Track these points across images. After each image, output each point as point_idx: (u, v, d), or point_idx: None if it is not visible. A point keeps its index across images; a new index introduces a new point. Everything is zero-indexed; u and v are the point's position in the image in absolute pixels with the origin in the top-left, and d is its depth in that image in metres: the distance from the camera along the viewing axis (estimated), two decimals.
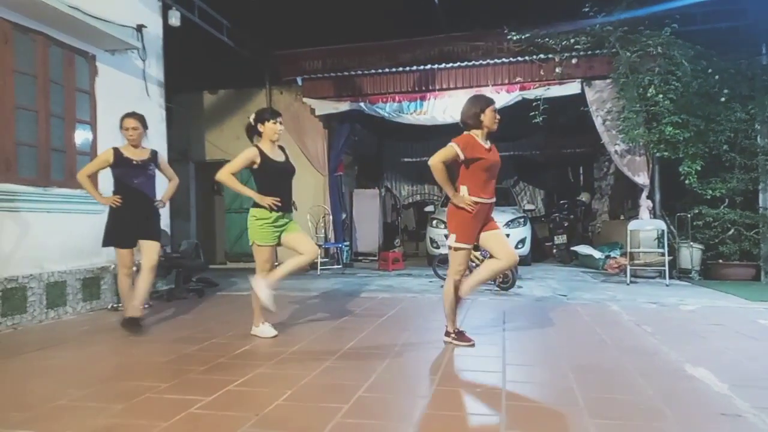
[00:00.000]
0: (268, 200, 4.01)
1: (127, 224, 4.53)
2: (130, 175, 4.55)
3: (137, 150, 4.63)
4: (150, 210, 4.65)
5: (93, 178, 4.63)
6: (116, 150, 4.57)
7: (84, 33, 5.49)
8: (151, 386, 2.97)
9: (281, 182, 4.18)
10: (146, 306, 5.24)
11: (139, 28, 6.36)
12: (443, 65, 9.25)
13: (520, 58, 8.87)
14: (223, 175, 4.06)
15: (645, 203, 8.42)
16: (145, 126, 4.67)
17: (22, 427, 2.45)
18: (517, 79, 8.96)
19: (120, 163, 4.54)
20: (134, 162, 4.57)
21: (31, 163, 5.12)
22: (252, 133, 4.23)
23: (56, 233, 5.24)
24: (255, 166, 4.10)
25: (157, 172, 4.77)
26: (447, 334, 3.98)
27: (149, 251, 4.54)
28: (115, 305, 5.73)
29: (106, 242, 4.59)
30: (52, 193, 5.21)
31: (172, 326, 4.78)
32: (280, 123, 4.17)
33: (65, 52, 5.49)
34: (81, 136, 5.70)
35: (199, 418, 2.51)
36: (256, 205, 4.08)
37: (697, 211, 7.93)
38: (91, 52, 5.78)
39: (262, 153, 4.10)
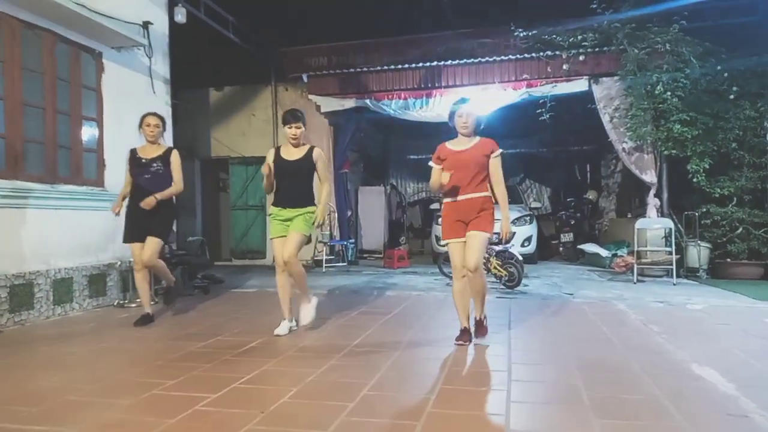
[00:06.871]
0: None
1: (135, 220, 4.69)
2: (139, 173, 4.73)
3: (152, 147, 4.80)
4: (156, 207, 4.66)
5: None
6: (132, 151, 4.82)
7: (90, 30, 5.50)
8: (157, 383, 2.98)
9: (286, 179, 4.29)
10: (152, 302, 5.26)
11: (146, 25, 6.36)
12: (450, 62, 9.22)
13: (527, 55, 8.83)
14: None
15: (652, 201, 8.37)
16: (164, 126, 4.90)
17: (32, 421, 2.46)
18: (524, 76, 8.93)
19: (132, 162, 4.77)
20: (142, 160, 4.74)
21: (39, 160, 5.14)
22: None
23: (63, 230, 5.26)
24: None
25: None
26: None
27: (145, 247, 4.65)
28: (121, 302, 5.76)
29: (124, 239, 4.80)
30: (59, 189, 5.23)
31: (177, 323, 4.80)
32: (295, 127, 4.22)
33: (72, 49, 5.50)
34: (87, 132, 5.71)
35: (206, 415, 2.52)
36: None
37: (705, 209, 7.88)
38: (97, 49, 5.79)
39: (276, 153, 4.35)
